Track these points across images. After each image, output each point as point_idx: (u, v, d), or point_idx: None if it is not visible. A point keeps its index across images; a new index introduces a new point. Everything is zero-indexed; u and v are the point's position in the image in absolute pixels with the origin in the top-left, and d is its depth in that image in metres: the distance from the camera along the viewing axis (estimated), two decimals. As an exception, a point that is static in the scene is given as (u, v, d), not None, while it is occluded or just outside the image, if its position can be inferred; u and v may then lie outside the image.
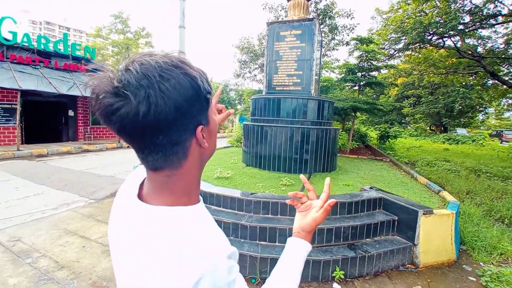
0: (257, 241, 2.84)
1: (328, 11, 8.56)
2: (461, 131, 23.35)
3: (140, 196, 0.49)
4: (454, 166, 8.28)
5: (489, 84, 14.81)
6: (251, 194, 3.27)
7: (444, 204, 3.47)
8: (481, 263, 2.96)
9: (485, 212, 4.53)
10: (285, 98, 5.04)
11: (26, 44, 11.18)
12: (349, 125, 8.80)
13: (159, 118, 0.39)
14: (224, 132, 22.80)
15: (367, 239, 2.96)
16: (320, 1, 8.74)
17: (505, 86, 12.43)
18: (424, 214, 2.82)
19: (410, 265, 2.91)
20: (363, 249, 2.74)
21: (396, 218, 3.07)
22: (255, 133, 5.16)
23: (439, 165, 8.38)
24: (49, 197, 5.02)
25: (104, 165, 8.10)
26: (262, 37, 10.00)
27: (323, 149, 4.97)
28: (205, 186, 3.65)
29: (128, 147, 12.70)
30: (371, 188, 3.74)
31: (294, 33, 5.15)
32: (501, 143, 22.39)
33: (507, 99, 14.54)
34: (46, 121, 14.31)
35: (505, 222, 4.22)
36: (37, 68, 11.15)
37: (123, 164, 8.23)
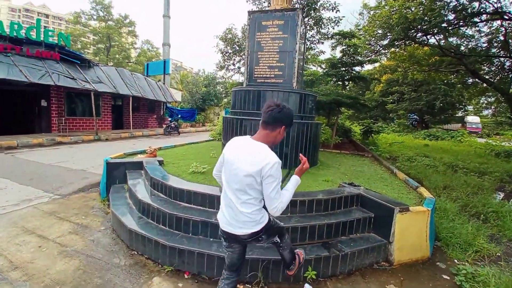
0: (228, 241, 2.68)
1: (313, 3, 8.37)
2: (454, 125, 24.68)
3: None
4: (433, 162, 8.42)
5: (469, 83, 15.22)
6: (224, 190, 3.10)
7: (421, 201, 3.44)
8: (456, 260, 2.95)
9: (460, 207, 4.57)
10: (266, 90, 4.85)
11: (-1, 32, 10.37)
12: (334, 120, 8.77)
13: (281, 118, 1.60)
14: (205, 125, 22.26)
15: (342, 237, 2.87)
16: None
17: (485, 85, 12.79)
18: (400, 211, 2.75)
19: (384, 263, 2.85)
20: (338, 247, 2.64)
21: (373, 215, 3.00)
22: (235, 126, 4.96)
23: (419, 161, 8.49)
24: (12, 192, 4.65)
25: (77, 159, 7.67)
26: (245, 29, 9.72)
27: (304, 144, 4.85)
28: (176, 182, 3.43)
29: (106, 139, 12.16)
30: (349, 184, 3.66)
31: (276, 23, 4.94)
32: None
33: (486, 97, 15.04)
34: (17, 112, 13.45)
35: (481, 218, 4.25)
36: (8, 56, 10.36)
37: (97, 158, 7.81)
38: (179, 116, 19.80)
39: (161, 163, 4.60)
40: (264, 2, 9.25)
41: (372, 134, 11.16)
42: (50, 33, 12.60)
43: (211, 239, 2.70)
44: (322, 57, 11.77)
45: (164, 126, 16.26)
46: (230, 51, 9.98)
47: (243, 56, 10.33)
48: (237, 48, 9.77)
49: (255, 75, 5.26)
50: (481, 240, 3.24)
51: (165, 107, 20.34)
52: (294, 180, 1.70)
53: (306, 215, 2.94)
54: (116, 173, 4.50)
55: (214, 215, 2.84)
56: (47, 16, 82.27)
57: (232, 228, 1.65)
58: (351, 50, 7.50)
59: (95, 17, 32.57)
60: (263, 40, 5.09)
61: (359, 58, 9.20)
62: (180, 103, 23.85)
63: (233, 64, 10.66)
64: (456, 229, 3.44)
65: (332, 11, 8.62)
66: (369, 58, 11.50)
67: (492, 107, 22.46)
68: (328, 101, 7.31)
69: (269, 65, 5.15)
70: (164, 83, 20.02)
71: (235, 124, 4.96)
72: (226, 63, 10.57)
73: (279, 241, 1.93)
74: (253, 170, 1.49)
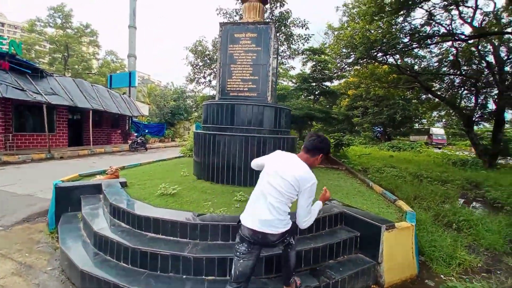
0: (203, 277, 2.30)
1: (283, 20, 8.59)
2: (421, 137, 26.44)
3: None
4: (400, 172, 8.78)
5: (423, 98, 16.67)
6: (198, 215, 2.72)
7: (402, 215, 3.39)
8: (442, 276, 2.87)
9: (433, 217, 4.66)
10: (240, 104, 4.64)
11: None
12: (305, 134, 8.83)
13: (321, 147, 1.91)
14: (175, 140, 21.31)
15: (330, 261, 2.65)
16: (276, 8, 8.74)
17: (437, 100, 14.05)
18: (387, 229, 2.62)
19: (374, 286, 2.67)
20: (327, 275, 2.40)
21: (359, 235, 2.84)
22: (207, 142, 4.63)
23: (388, 172, 8.80)
24: None
25: (24, 181, 6.63)
26: (216, 42, 9.57)
27: (281, 159, 4.67)
28: (141, 208, 2.97)
29: (61, 158, 10.88)
30: (331, 201, 3.51)
31: (249, 36, 4.83)
32: (430, 143, 25.30)
33: (439, 111, 16.66)
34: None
35: (453, 227, 4.35)
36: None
37: (48, 179, 6.81)
38: (146, 131, 18.76)
39: (124, 185, 4.06)
40: (236, 16, 9.24)
41: (343, 147, 11.48)
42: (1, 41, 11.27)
43: (184, 276, 2.30)
44: (292, 72, 12.07)
45: (130, 142, 15.17)
46: (200, 63, 9.68)
47: (214, 69, 10.12)
48: (208, 60, 9.54)
49: (228, 88, 5.04)
50: (462, 252, 3.24)
51: (130, 121, 19.15)
52: (318, 204, 2.05)
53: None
54: (67, 200, 3.84)
55: (187, 246, 2.45)
56: (2, 24, 75.52)
57: (265, 227, 1.73)
58: (321, 65, 7.72)
59: (51, 24, 30.22)
60: (236, 53, 4.93)
61: (329, 74, 9.52)
62: (148, 117, 22.70)
63: (204, 77, 10.35)
64: (436, 241, 3.42)
65: (302, 28, 8.91)
66: (337, 74, 12.06)
67: (443, 120, 24.81)
68: (301, 115, 7.35)
69: (243, 78, 4.98)
70: (129, 96, 18.94)
71: (207, 140, 4.63)
72: (196, 76, 10.22)
73: (293, 241, 2.07)
74: (297, 181, 1.74)
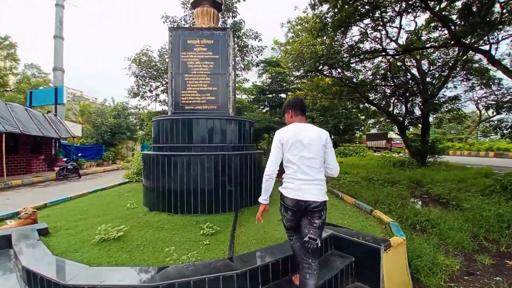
0: None
1: (236, 30, 8.37)
2: (380, 142, 27.97)
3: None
4: (354, 178, 9.13)
5: (361, 107, 18.43)
6: (158, 271, 2.00)
7: (385, 227, 3.21)
8: (433, 288, 2.71)
9: (397, 220, 4.71)
10: (199, 119, 4.04)
11: None
12: (260, 147, 8.57)
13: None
14: (116, 163, 18.80)
15: (327, 299, 2.21)
16: (228, 18, 8.47)
17: (373, 108, 15.59)
18: (385, 250, 2.33)
19: (375, 318, 2.32)
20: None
21: (353, 259, 2.49)
22: (161, 165, 3.86)
23: (343, 178, 9.06)
24: None
25: None
26: (164, 52, 8.74)
27: (249, 177, 4.18)
28: (69, 272, 2.08)
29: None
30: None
31: (205, 43, 4.33)
32: (390, 148, 27.32)
33: (377, 118, 18.70)
34: None
35: (417, 228, 4.43)
36: None
37: None
38: (80, 154, 16.08)
39: (44, 232, 3.00)
40: (186, 24, 8.61)
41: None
42: None
43: None
44: (246, 85, 11.92)
45: (57, 168, 12.65)
46: (145, 75, 8.62)
47: (163, 81, 9.19)
48: (154, 72, 8.58)
49: (182, 101, 4.39)
50: (441, 257, 3.19)
51: (58, 144, 16.22)
52: None
53: (282, 280, 2.17)
54: None
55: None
56: None
57: (311, 196, 1.80)
58: (280, 77, 7.65)
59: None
60: (190, 61, 4.35)
61: (286, 86, 9.58)
62: (81, 138, 19.67)
63: (150, 91, 9.25)
64: (416, 249, 3.33)
65: (255, 39, 8.82)
66: (292, 86, 12.36)
67: (377, 126, 27.79)
68: (262, 128, 7.05)
69: (199, 89, 4.41)
70: (56, 115, 16.11)
71: (161, 162, 3.86)
72: (141, 89, 9.06)
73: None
74: (322, 140, 1.90)
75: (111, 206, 4.29)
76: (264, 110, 10.77)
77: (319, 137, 1.89)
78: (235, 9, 8.19)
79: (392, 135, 27.36)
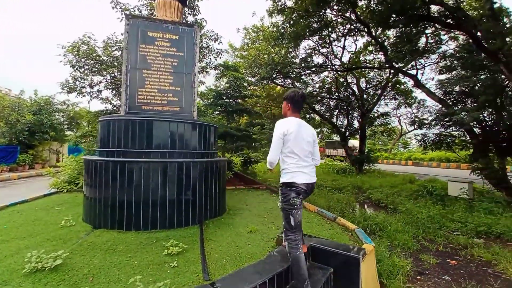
0: None
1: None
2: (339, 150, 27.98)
3: None
4: (304, 185, 9.55)
5: (308, 118, 19.75)
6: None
7: (351, 234, 3.34)
8: (400, 293, 2.90)
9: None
10: (160, 121, 3.59)
11: None
12: (219, 153, 8.26)
13: None
14: (35, 168, 15.77)
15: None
16: (189, 15, 7.93)
17: (320, 119, 16.84)
18: (362, 258, 2.38)
19: (352, 328, 2.33)
20: None
21: (332, 270, 2.48)
22: (111, 173, 3.27)
23: (295, 185, 9.40)
24: None
25: None
26: (109, 43, 7.63)
27: (213, 187, 3.89)
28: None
29: None
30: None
31: (168, 37, 3.91)
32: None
33: (320, 128, 20.22)
34: None
35: (367, 231, 4.80)
36: None
37: None
38: (-16, 156, 12.86)
39: None
40: (140, 14, 7.66)
41: (252, 164, 11.60)
42: None
43: None
44: (202, 88, 11.41)
45: None
46: (86, 66, 7.28)
47: (107, 77, 8.02)
48: (97, 65, 7.33)
49: (139, 100, 3.86)
50: (395, 258, 3.46)
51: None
52: None
53: (267, 303, 1.98)
54: None
55: None
56: None
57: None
58: (238, 82, 7.51)
59: None
60: (150, 56, 3.87)
61: (243, 91, 9.48)
62: (-14, 137, 15.74)
63: (90, 86, 7.87)
64: (377, 254, 3.54)
65: (215, 41, 8.50)
66: (249, 92, 12.36)
67: (319, 135, 30.02)
68: (218, 134, 6.77)
69: (160, 88, 3.95)
70: None
71: (111, 168, 3.28)
72: (78, 83, 7.62)
73: None
74: (314, 136, 2.32)
75: (39, 224, 3.41)
76: (220, 116, 10.45)
77: (313, 134, 2.31)
78: (196, 7, 7.76)
79: (353, 143, 25.07)
